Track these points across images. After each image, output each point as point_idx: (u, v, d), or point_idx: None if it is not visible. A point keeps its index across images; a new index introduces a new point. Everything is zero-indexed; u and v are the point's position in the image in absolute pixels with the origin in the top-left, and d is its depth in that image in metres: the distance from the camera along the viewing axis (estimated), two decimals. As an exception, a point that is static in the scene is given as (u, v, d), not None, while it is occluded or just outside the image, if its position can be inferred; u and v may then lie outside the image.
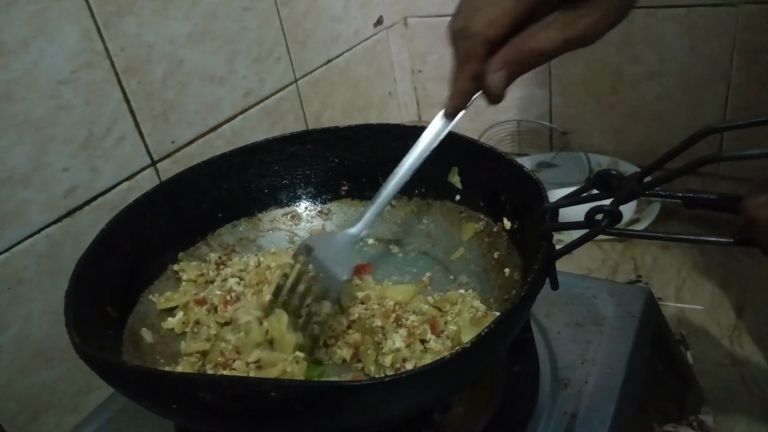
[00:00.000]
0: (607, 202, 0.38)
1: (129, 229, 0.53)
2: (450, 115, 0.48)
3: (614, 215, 0.35)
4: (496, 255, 0.52)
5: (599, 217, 0.36)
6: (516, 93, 1.08)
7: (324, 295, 0.49)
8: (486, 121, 1.10)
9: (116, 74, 0.65)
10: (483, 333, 0.35)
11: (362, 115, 1.06)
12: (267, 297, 0.51)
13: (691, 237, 0.35)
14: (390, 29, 1.09)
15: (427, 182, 0.61)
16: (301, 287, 0.49)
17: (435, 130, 0.49)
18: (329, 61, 0.96)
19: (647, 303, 0.57)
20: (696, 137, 0.32)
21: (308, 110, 0.93)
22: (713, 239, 0.34)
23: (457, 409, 0.50)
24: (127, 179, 0.68)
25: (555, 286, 0.43)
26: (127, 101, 0.66)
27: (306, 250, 0.50)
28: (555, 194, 0.90)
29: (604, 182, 0.37)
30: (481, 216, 0.56)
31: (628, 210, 0.88)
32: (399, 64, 1.14)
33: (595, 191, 0.38)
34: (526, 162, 1.07)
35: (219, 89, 0.77)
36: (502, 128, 1.10)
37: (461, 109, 0.47)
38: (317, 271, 0.49)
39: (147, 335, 0.51)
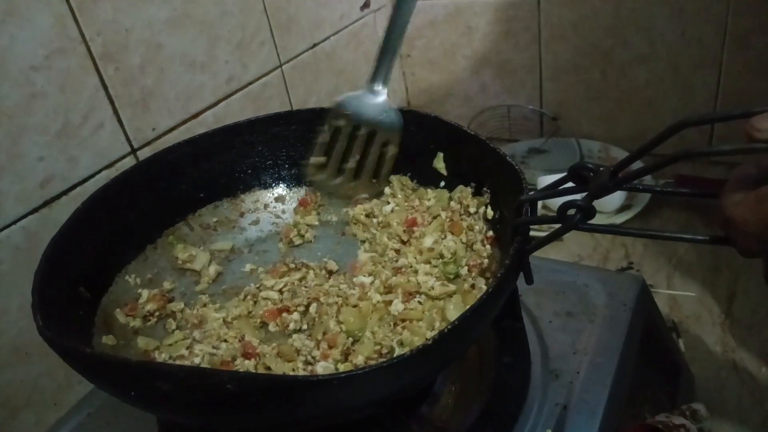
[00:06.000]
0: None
1: (105, 209, 0.52)
2: None
3: (586, 210, 0.34)
4: (474, 247, 0.51)
5: (572, 211, 0.34)
6: (506, 79, 1.06)
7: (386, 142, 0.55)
8: (476, 107, 1.09)
9: (92, 60, 0.62)
10: (445, 330, 0.34)
11: (349, 102, 1.04)
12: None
13: (666, 234, 0.34)
14: (377, 12, 1.07)
15: (414, 167, 0.59)
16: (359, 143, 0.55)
17: None
18: (314, 45, 0.94)
19: (640, 292, 0.56)
20: (670, 131, 0.31)
21: (293, 96, 0.91)
22: (688, 237, 0.33)
23: (446, 402, 0.49)
24: (106, 168, 0.65)
25: (529, 280, 0.42)
26: (105, 88, 0.64)
27: (341, 112, 0.54)
28: (545, 180, 0.90)
29: (578, 175, 0.36)
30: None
31: (619, 196, 0.87)
32: (386, 49, 1.12)
33: (571, 184, 0.37)
34: (517, 148, 1.06)
35: (200, 75, 0.75)
36: (493, 114, 1.08)
37: None
38: (369, 127, 0.52)
39: (121, 316, 0.49)
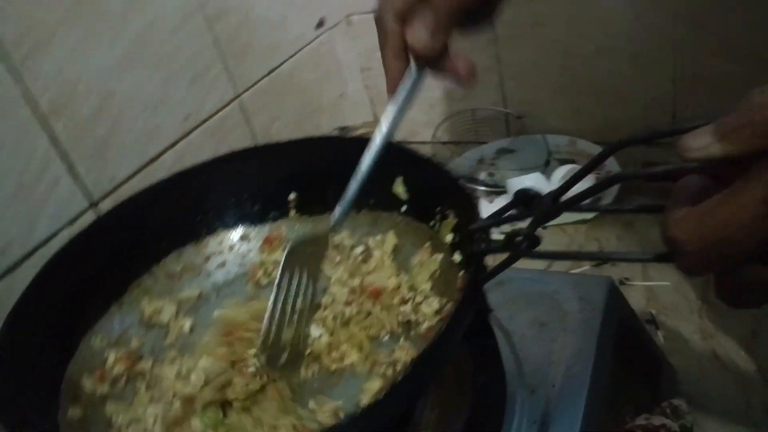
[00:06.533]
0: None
1: (65, 271, 0.51)
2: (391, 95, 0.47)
3: (532, 238, 0.34)
4: (437, 273, 0.51)
5: (519, 239, 0.34)
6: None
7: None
8: (441, 112, 1.09)
9: (41, 117, 0.62)
10: (397, 380, 0.34)
11: (313, 122, 1.04)
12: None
13: (613, 254, 0.35)
14: (333, 29, 1.06)
15: (375, 193, 0.59)
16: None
17: (388, 118, 0.47)
18: (272, 70, 0.93)
19: (609, 292, 0.56)
20: (606, 153, 0.31)
21: (256, 124, 0.90)
22: (633, 257, 0.33)
23: (426, 429, 0.49)
24: (67, 225, 0.65)
25: (486, 310, 0.42)
26: (56, 144, 0.64)
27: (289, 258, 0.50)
28: (515, 183, 0.90)
29: (524, 201, 0.36)
30: (426, 228, 0.54)
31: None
32: (347, 64, 1.11)
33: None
34: (486, 150, 1.06)
35: (156, 117, 0.74)
36: (458, 119, 1.08)
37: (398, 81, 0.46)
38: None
39: (88, 383, 0.48)
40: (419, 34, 0.43)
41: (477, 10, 0.44)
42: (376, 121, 1.08)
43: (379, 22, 0.45)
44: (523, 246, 0.35)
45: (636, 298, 0.72)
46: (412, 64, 0.45)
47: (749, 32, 0.82)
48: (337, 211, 0.49)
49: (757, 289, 0.28)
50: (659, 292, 0.72)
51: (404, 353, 0.47)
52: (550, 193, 0.36)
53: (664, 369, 0.61)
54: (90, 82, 0.66)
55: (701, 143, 0.28)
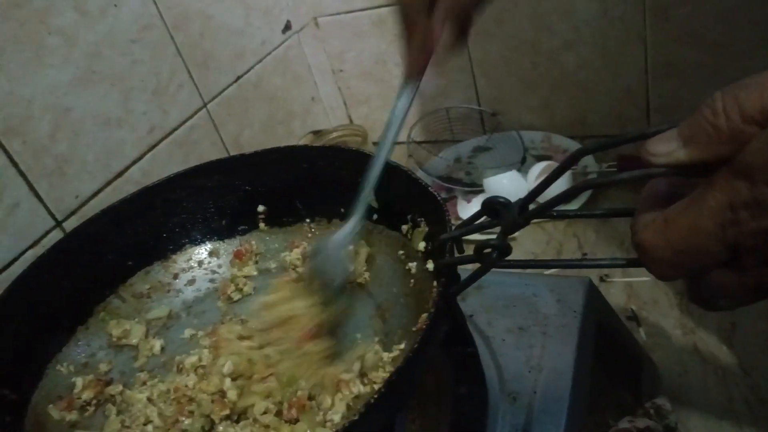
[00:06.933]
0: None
1: (27, 296, 0.50)
2: (415, 74, 0.49)
3: (501, 249, 0.33)
4: (411, 282, 0.49)
5: (488, 250, 0.33)
6: (440, 81, 1.05)
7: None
8: (415, 113, 1.07)
9: (-6, 138, 0.59)
10: (371, 401, 0.33)
11: (285, 128, 1.02)
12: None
13: (585, 261, 0.34)
14: (301, 33, 1.05)
15: (345, 202, 0.58)
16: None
17: (404, 100, 0.49)
18: (239, 78, 0.91)
19: (587, 294, 0.55)
20: (570, 161, 0.30)
21: (224, 133, 0.88)
22: (606, 262, 0.32)
23: (406, 443, 0.48)
24: (31, 246, 0.63)
25: (463, 319, 0.41)
26: (14, 164, 0.61)
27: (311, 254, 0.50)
28: (492, 182, 0.89)
29: (492, 210, 0.34)
30: (398, 236, 0.53)
31: (564, 184, 0.86)
32: (317, 67, 1.10)
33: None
34: (462, 148, 1.05)
35: (118, 131, 0.72)
36: (433, 118, 1.07)
37: (423, 67, 0.49)
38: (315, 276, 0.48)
39: (55, 412, 0.46)
40: (446, 27, 0.46)
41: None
42: (351, 123, 1.07)
43: (404, 18, 0.47)
44: (493, 256, 0.34)
45: (616, 295, 0.72)
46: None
47: (716, 23, 0.82)
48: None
49: (728, 294, 0.27)
50: (639, 288, 0.72)
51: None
52: (518, 201, 0.35)
53: (646, 367, 0.60)
54: (45, 100, 0.64)
55: (666, 149, 0.27)
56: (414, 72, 0.49)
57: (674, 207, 0.27)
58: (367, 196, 0.49)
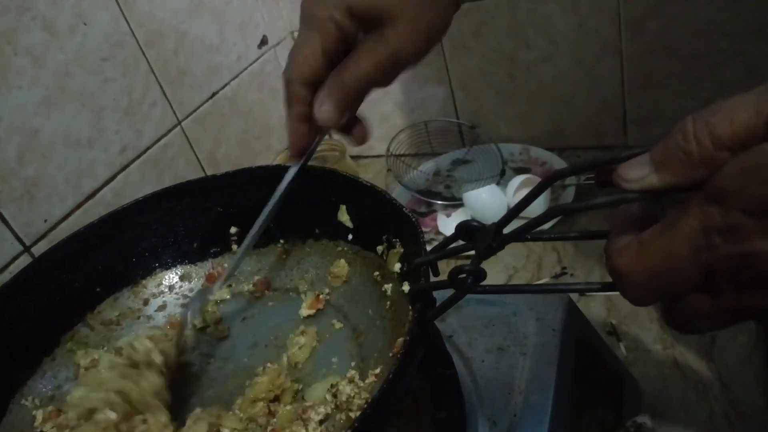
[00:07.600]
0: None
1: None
2: (295, 158, 0.49)
3: (476, 274, 0.32)
4: (387, 304, 0.48)
5: (463, 276, 0.32)
6: (418, 94, 1.05)
7: None
8: (395, 126, 1.07)
9: (-42, 162, 0.58)
10: (354, 424, 0.32)
11: (262, 143, 1.01)
12: None
13: (560, 286, 0.33)
14: (278, 47, 1.04)
15: (319, 222, 0.57)
16: None
17: (288, 178, 0.49)
18: (214, 94, 0.90)
19: (566, 312, 0.55)
20: (543, 184, 0.31)
21: (199, 150, 0.87)
22: (581, 287, 0.32)
23: (386, 472, 0.46)
24: (-2, 272, 0.61)
25: (440, 342, 0.40)
26: (-21, 188, 0.59)
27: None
28: (471, 196, 0.89)
29: (467, 233, 0.34)
30: (374, 257, 0.52)
31: (542, 202, 0.86)
32: (294, 81, 1.09)
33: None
34: (441, 161, 1.05)
35: (89, 152, 0.70)
36: (412, 131, 1.06)
37: (304, 151, 0.48)
38: None
39: None
40: (326, 108, 0.43)
41: (384, 81, 0.45)
42: (329, 138, 1.06)
43: (287, 85, 0.45)
44: (468, 282, 0.33)
45: (596, 308, 0.72)
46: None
47: (691, 35, 0.83)
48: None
49: (703, 317, 0.27)
50: (619, 302, 0.72)
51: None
52: (492, 225, 0.34)
53: (627, 384, 0.60)
54: (12, 121, 0.62)
55: (638, 174, 0.27)
56: (294, 152, 0.48)
57: (648, 231, 0.27)
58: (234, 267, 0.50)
